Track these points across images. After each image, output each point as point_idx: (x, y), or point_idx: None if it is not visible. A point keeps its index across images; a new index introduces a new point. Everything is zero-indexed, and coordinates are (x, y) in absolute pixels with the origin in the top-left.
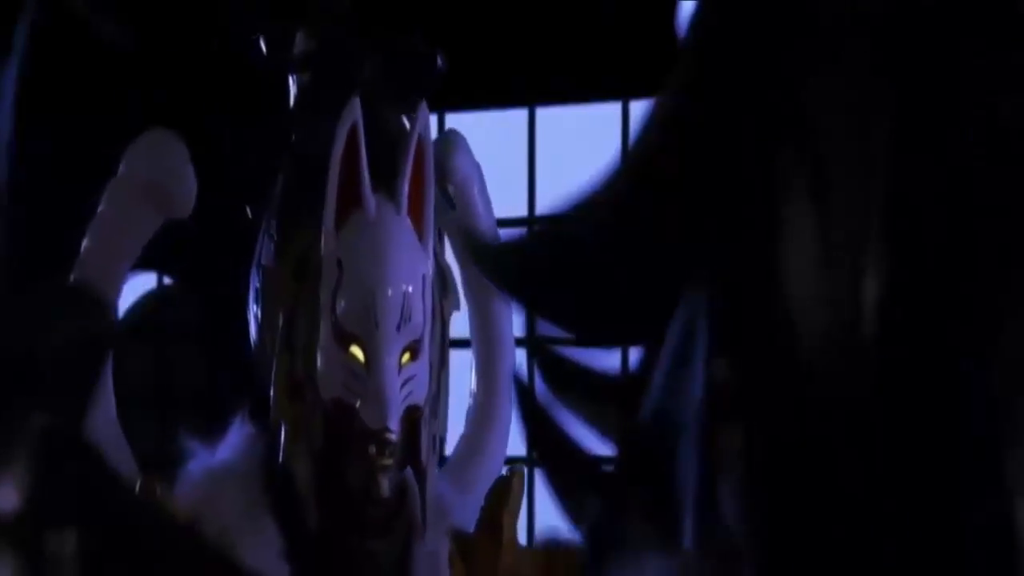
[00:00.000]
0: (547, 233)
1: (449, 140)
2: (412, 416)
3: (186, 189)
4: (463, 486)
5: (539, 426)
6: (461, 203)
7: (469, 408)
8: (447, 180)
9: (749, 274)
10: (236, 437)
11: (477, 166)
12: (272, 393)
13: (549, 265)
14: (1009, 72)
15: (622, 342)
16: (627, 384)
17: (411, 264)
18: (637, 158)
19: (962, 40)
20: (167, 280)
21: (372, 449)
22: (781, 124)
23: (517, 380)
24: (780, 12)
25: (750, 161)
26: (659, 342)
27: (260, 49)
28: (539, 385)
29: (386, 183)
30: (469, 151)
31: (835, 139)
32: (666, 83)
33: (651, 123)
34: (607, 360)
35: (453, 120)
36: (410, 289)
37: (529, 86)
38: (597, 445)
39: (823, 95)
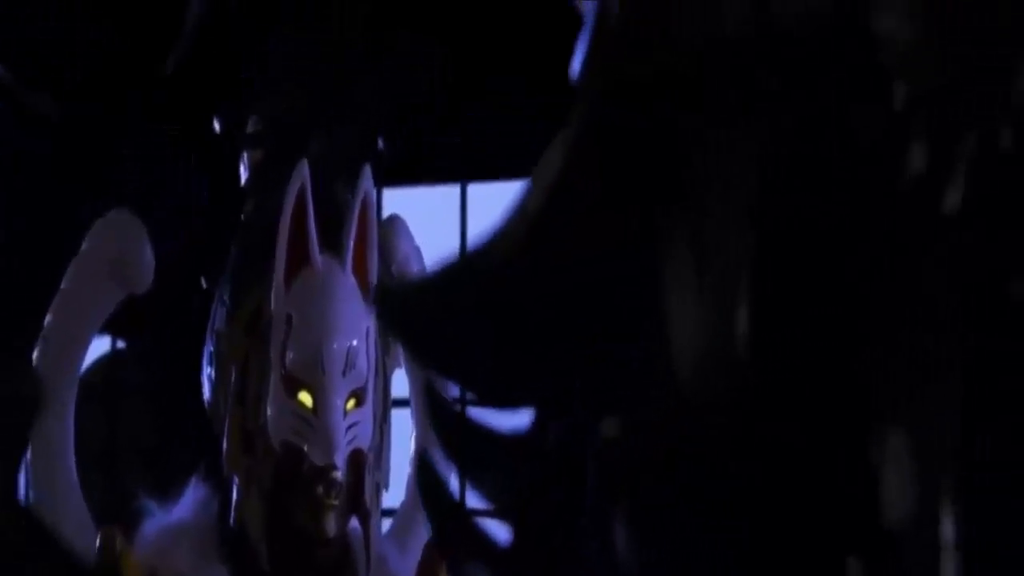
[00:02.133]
0: (442, 288)
1: (391, 224)
2: (357, 460)
3: (145, 266)
4: (403, 547)
5: (438, 502)
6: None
7: (409, 475)
8: (389, 260)
9: (635, 323)
10: (191, 496)
11: (417, 248)
12: (225, 446)
13: (445, 319)
14: (867, 122)
15: (516, 399)
16: (521, 445)
17: (356, 317)
18: (532, 207)
19: (824, 94)
20: (121, 343)
21: (319, 489)
22: (663, 177)
23: (420, 454)
24: (661, 82)
25: (635, 212)
26: (554, 401)
27: (214, 128)
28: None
29: (332, 243)
30: (410, 234)
31: (710, 192)
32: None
33: (546, 171)
34: (504, 420)
35: (392, 194)
36: (355, 341)
37: (461, 164)
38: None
39: (701, 151)
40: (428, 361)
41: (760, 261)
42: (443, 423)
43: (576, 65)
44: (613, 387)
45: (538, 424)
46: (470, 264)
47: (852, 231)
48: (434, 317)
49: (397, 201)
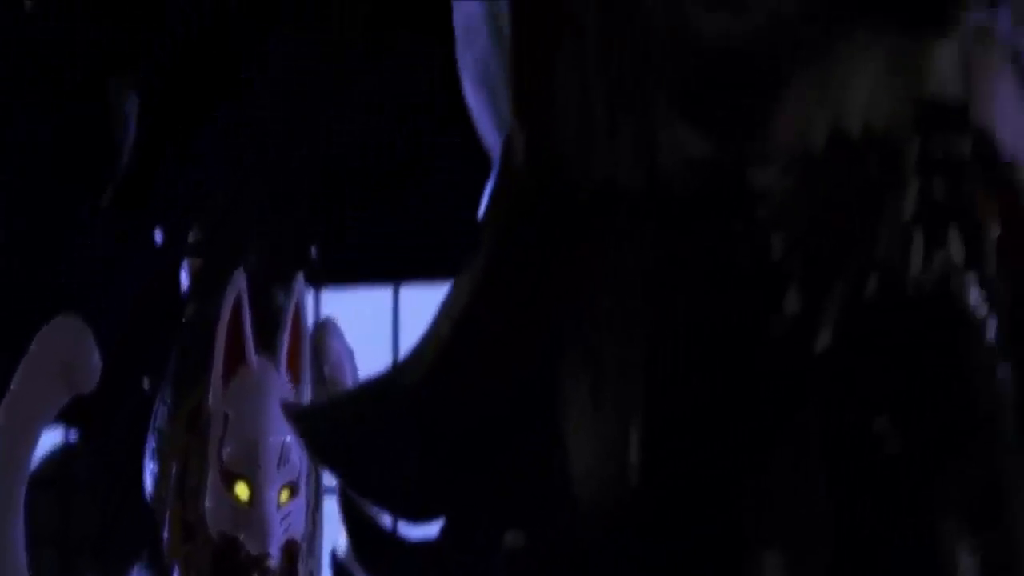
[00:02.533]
0: (358, 402)
1: (324, 327)
2: (290, 549)
3: (91, 368)
4: None
5: None
6: (335, 382)
7: None
8: (323, 361)
9: (539, 441)
10: None
11: (349, 349)
12: (166, 536)
13: (359, 433)
14: (746, 269)
15: (427, 512)
16: (430, 553)
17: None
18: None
19: (707, 242)
20: (72, 436)
21: None
22: (562, 306)
23: (332, 555)
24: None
25: (537, 339)
26: (463, 513)
27: (156, 238)
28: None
29: (267, 345)
30: (342, 336)
31: (606, 323)
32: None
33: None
34: (418, 530)
35: (331, 296)
36: (288, 437)
37: (394, 265)
38: None
39: (597, 284)
40: (343, 477)
41: (649, 389)
42: (355, 527)
43: (483, 202)
44: (518, 501)
45: (447, 534)
46: (383, 386)
47: (733, 368)
48: (347, 436)
49: (336, 302)
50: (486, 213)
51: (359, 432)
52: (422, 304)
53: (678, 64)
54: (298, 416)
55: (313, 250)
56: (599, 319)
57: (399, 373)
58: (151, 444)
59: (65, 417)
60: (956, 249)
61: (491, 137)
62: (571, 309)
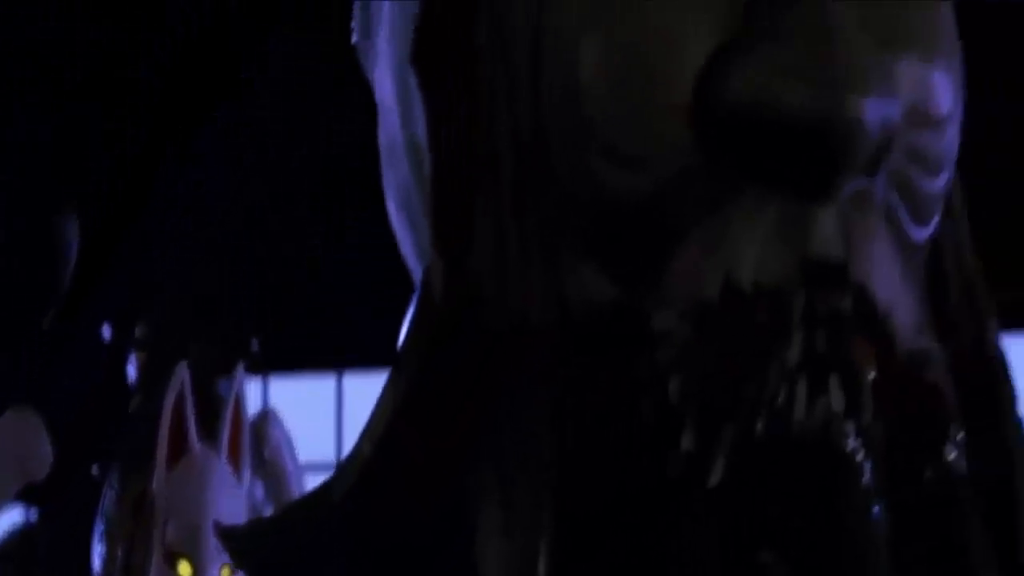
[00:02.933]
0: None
1: (266, 416)
2: None
3: (43, 458)
4: None
5: None
6: (274, 467)
7: None
8: (263, 448)
9: (454, 567)
10: None
11: (288, 438)
12: None
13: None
14: (646, 411)
15: None
16: None
17: (230, 498)
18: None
19: (609, 381)
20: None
21: None
22: (476, 437)
23: None
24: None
25: (453, 469)
26: None
27: (105, 333)
28: None
29: (210, 433)
30: (282, 424)
31: (515, 457)
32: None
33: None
34: None
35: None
36: (227, 515)
37: (337, 354)
38: None
39: (481, 421)
40: None
41: (556, 518)
42: None
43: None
44: None
45: None
46: (310, 505)
47: (634, 499)
48: (276, 554)
49: (281, 391)
50: (406, 339)
51: (287, 550)
52: (365, 392)
53: (585, 214)
54: (229, 536)
55: (254, 343)
56: (510, 448)
57: (325, 492)
58: (99, 527)
59: (27, 497)
60: (836, 396)
61: (411, 258)
62: (485, 437)
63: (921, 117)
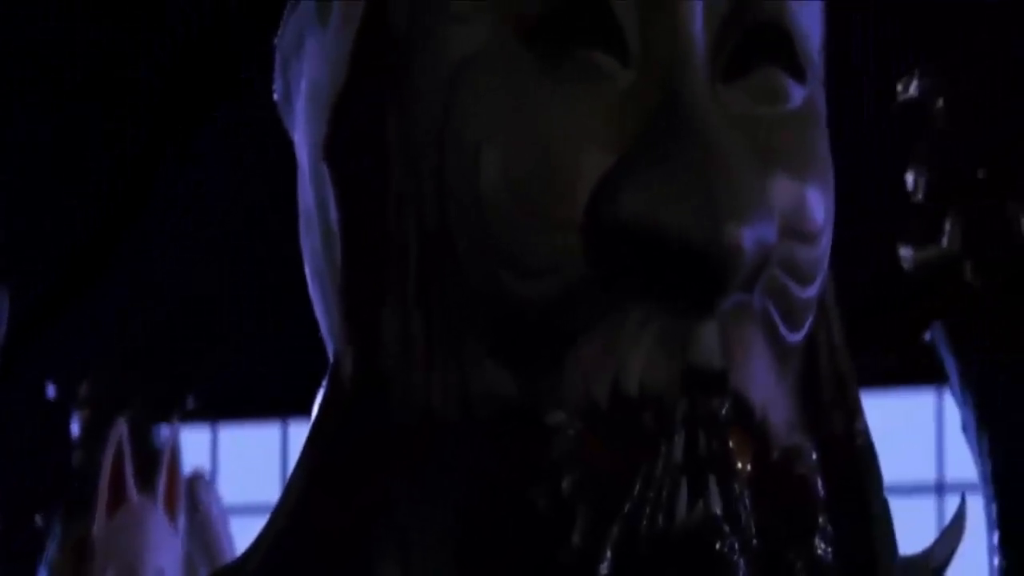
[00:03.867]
0: None
1: (196, 480)
2: None
3: None
4: None
5: None
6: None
7: None
8: (196, 501)
9: None
10: None
11: (218, 498)
12: None
13: None
14: (541, 504)
15: None
16: None
17: (165, 544)
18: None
19: (500, 476)
20: None
21: None
22: (379, 519)
23: None
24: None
25: (354, 548)
26: None
27: (49, 391)
28: None
29: (147, 483)
30: (211, 488)
31: (418, 540)
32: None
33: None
34: None
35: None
36: (163, 562)
37: (282, 402)
38: None
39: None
40: None
41: None
42: None
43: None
44: None
45: None
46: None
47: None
48: None
49: (227, 439)
50: (316, 416)
51: None
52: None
53: (488, 315)
54: None
55: (190, 399)
56: (413, 531)
57: (243, 561)
58: (42, 572)
59: None
60: (715, 496)
61: (322, 323)
62: (388, 520)
63: (796, 233)
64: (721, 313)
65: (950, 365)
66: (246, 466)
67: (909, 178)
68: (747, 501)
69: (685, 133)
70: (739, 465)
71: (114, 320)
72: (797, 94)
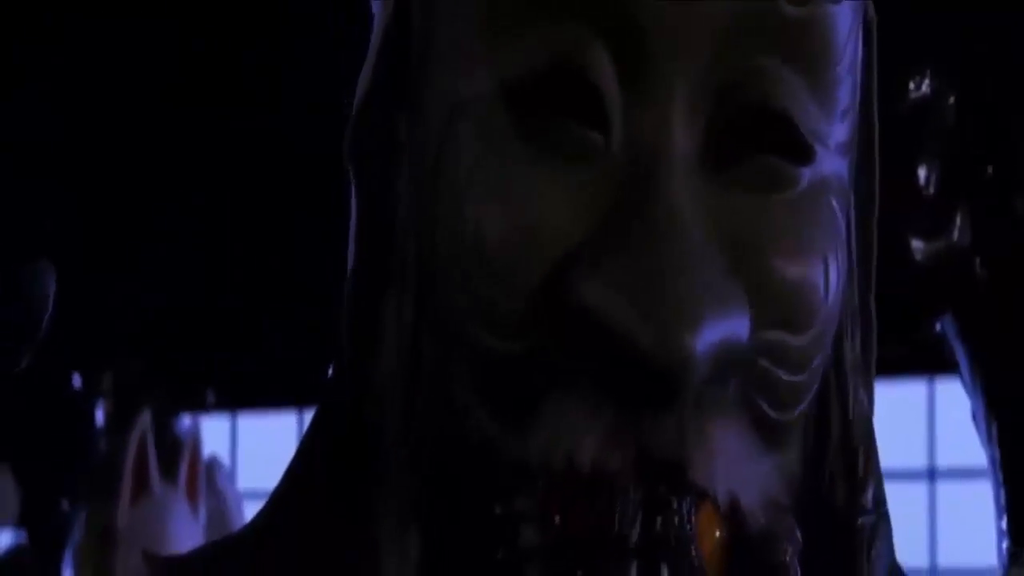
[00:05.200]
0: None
1: (212, 465)
2: None
3: (6, 500)
4: None
5: None
6: (220, 505)
7: None
8: (213, 492)
9: None
10: None
11: (233, 486)
12: None
13: None
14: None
15: None
16: None
17: (187, 531)
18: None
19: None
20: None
21: None
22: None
23: None
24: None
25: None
26: None
27: (73, 384)
28: None
29: (169, 473)
30: (224, 472)
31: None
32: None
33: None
34: None
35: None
36: (185, 546)
37: (298, 393)
38: None
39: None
40: None
41: None
42: None
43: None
44: None
45: None
46: (224, 543)
47: None
48: None
49: (248, 428)
50: (309, 426)
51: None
52: None
53: (466, 356)
54: (157, 565)
55: (209, 393)
56: (385, 543)
57: (240, 532)
58: (68, 558)
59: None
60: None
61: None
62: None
63: (785, 322)
64: (680, 406)
65: (960, 355)
66: (264, 454)
67: (921, 173)
68: None
69: (652, 229)
70: (698, 552)
71: (137, 312)
72: (802, 175)
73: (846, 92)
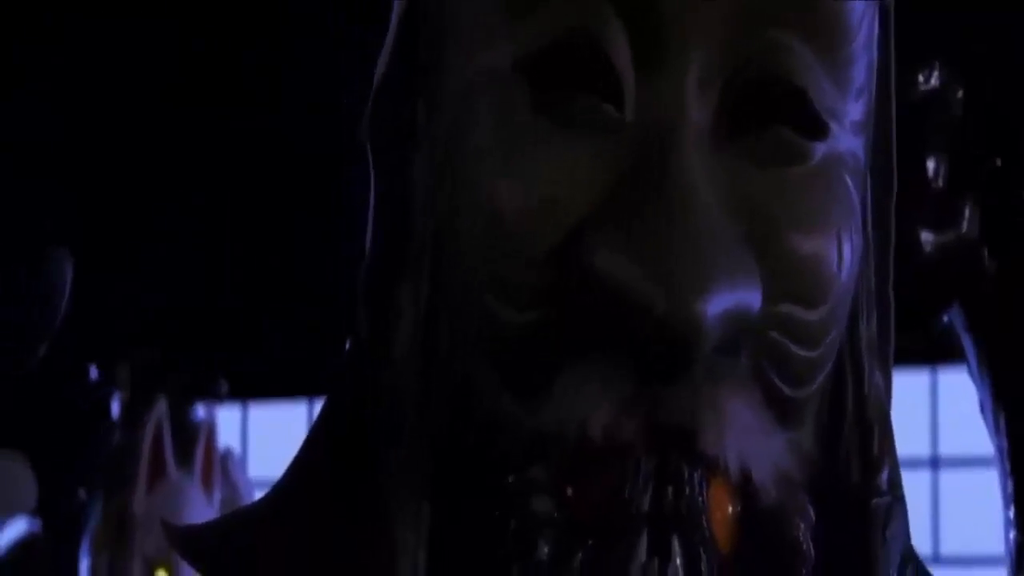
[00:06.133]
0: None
1: (227, 456)
2: None
3: (27, 497)
4: None
5: None
6: (233, 494)
7: None
8: (229, 476)
9: None
10: None
11: (246, 476)
12: None
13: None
14: None
15: None
16: None
17: (202, 515)
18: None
19: None
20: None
21: None
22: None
23: None
24: None
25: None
26: None
27: (90, 375)
28: None
29: (185, 460)
30: (238, 463)
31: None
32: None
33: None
34: None
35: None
36: None
37: (309, 383)
38: None
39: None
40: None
41: None
42: None
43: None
44: None
45: None
46: (247, 510)
47: None
48: (217, 546)
49: (258, 417)
50: (323, 404)
51: (226, 543)
52: None
53: (482, 328)
54: (175, 534)
55: (222, 383)
56: (399, 521)
57: (254, 505)
58: (86, 542)
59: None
60: (676, 555)
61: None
62: (376, 505)
63: (797, 296)
64: (693, 374)
65: (967, 346)
66: (275, 443)
67: (929, 166)
68: (714, 562)
69: (665, 199)
70: (709, 525)
71: (141, 310)
72: (815, 150)
73: (861, 70)
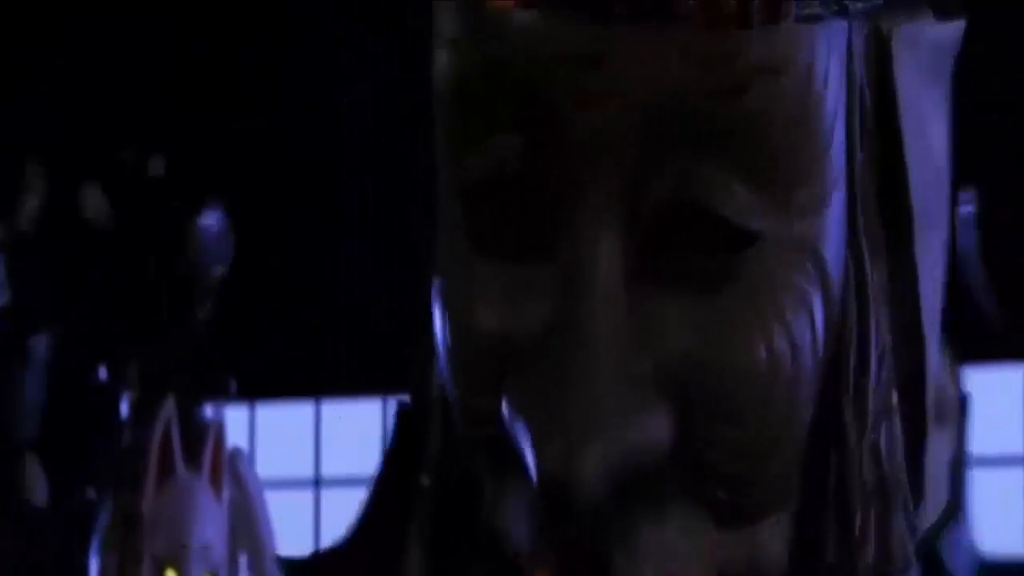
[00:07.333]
0: None
1: (235, 455)
2: None
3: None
4: None
5: None
6: (242, 493)
7: None
8: (236, 481)
9: None
10: None
11: (255, 475)
12: None
13: None
14: None
15: None
16: None
17: (211, 516)
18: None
19: None
20: None
21: None
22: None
23: None
24: None
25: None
26: None
27: (101, 373)
28: None
29: (193, 459)
30: (246, 462)
31: None
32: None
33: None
34: None
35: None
36: (209, 533)
37: (315, 383)
38: None
39: None
40: None
41: None
42: None
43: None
44: None
45: None
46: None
47: None
48: None
49: (264, 417)
50: (394, 429)
51: None
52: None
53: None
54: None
55: (231, 383)
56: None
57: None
58: (95, 542)
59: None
60: None
61: None
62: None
63: (719, 415)
64: (600, 511)
65: None
66: (282, 443)
67: None
68: None
69: (569, 341)
70: None
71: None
72: (744, 258)
73: (814, 148)
